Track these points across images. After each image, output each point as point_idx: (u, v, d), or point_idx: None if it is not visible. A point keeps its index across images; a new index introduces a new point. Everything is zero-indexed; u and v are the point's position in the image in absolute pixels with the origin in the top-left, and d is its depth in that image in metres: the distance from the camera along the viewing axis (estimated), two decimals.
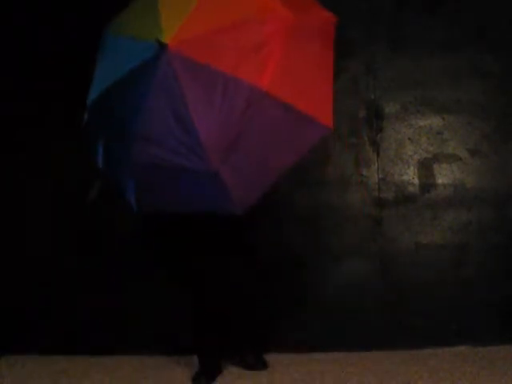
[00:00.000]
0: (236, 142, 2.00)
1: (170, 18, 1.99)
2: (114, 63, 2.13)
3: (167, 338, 3.05)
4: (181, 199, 2.16)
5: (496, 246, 3.01)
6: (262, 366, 2.79)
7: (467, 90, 3.06)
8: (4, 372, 2.89)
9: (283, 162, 2.14)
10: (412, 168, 3.07)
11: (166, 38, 1.93)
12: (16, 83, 3.20)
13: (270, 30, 2.01)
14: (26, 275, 3.16)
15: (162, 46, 1.93)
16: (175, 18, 1.98)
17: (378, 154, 3.08)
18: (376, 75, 3.09)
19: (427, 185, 3.06)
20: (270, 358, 2.87)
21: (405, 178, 3.07)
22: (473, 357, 2.85)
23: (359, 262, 3.04)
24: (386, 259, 3.05)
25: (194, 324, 2.77)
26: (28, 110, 3.18)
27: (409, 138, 3.08)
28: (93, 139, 2.28)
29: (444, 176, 3.06)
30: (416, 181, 3.06)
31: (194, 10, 2.00)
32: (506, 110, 3.04)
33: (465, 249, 3.03)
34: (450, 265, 3.03)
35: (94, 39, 2.35)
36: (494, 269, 3.01)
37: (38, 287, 3.15)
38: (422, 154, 3.07)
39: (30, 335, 3.14)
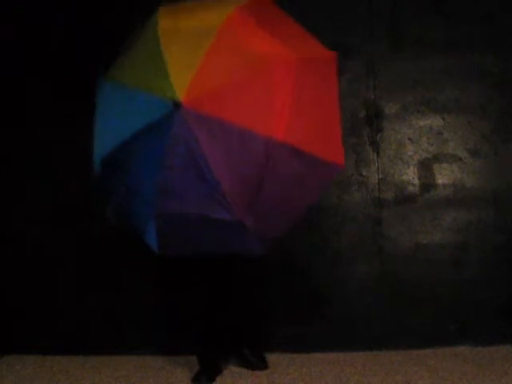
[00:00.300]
0: (258, 191, 2.04)
1: (178, 72, 1.97)
2: (123, 115, 2.10)
3: (167, 338, 3.05)
4: (204, 243, 2.19)
5: (496, 246, 3.02)
6: (264, 365, 2.79)
7: (467, 90, 3.06)
8: (4, 372, 2.90)
9: (303, 202, 2.22)
10: (412, 168, 3.07)
11: (179, 96, 1.92)
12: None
13: (278, 77, 2.03)
14: (26, 275, 3.16)
15: (177, 105, 1.93)
16: (184, 72, 1.97)
17: (377, 154, 3.08)
18: (376, 75, 3.09)
19: (427, 185, 3.06)
20: (270, 358, 2.87)
21: (405, 178, 3.07)
22: (473, 357, 2.85)
23: (359, 262, 3.04)
24: (386, 259, 3.05)
25: (194, 324, 2.77)
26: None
27: (409, 138, 3.08)
28: (105, 192, 2.31)
29: (444, 176, 3.06)
30: (416, 181, 3.07)
31: (202, 64, 1.99)
32: (505, 110, 3.04)
33: (465, 249, 3.03)
34: (449, 265, 3.03)
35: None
36: (494, 269, 3.01)
37: (39, 287, 3.15)
38: (422, 154, 3.07)
39: (29, 335, 3.14)
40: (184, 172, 2.01)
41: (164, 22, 2.17)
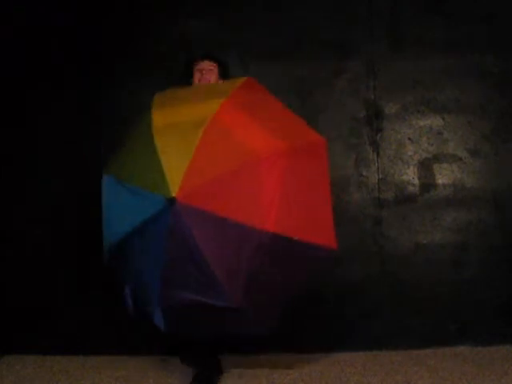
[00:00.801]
0: (252, 278, 2.12)
1: (171, 168, 2.04)
2: (124, 209, 2.19)
3: (167, 338, 3.05)
4: (207, 326, 2.32)
5: (496, 246, 3.02)
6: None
7: (467, 90, 3.06)
8: (4, 372, 2.90)
9: (298, 280, 2.32)
10: (412, 168, 3.07)
11: (173, 191, 1.99)
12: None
13: (266, 170, 2.11)
14: (26, 275, 3.16)
15: (171, 201, 1.99)
16: (177, 167, 2.04)
17: (377, 154, 3.08)
18: (376, 75, 3.09)
19: (427, 185, 3.06)
20: (271, 357, 2.88)
21: (405, 178, 3.07)
22: (473, 357, 2.85)
23: (359, 262, 3.04)
24: (386, 259, 3.05)
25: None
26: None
27: (409, 138, 3.08)
28: (117, 280, 2.43)
29: (444, 176, 3.06)
30: (416, 181, 3.07)
31: (193, 159, 2.05)
32: (505, 110, 3.05)
33: (465, 249, 3.03)
34: (449, 265, 3.03)
35: None
36: (494, 269, 3.01)
37: (39, 287, 3.15)
38: (422, 154, 3.07)
39: (30, 335, 3.14)
40: (183, 263, 2.10)
41: (157, 117, 2.25)
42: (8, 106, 3.20)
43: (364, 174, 3.08)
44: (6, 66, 3.20)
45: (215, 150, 2.10)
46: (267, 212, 2.09)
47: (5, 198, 3.18)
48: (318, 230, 2.23)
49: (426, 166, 3.06)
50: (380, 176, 3.07)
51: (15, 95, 3.20)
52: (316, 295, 3.06)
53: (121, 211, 2.21)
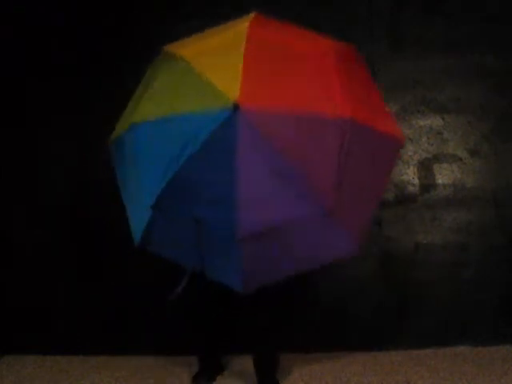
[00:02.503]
0: (340, 176, 1.94)
1: (224, 79, 1.88)
2: (170, 146, 1.95)
3: (167, 338, 3.05)
4: (290, 260, 2.07)
5: (496, 246, 3.02)
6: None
7: (467, 90, 3.06)
8: (4, 372, 2.90)
9: (381, 181, 2.17)
10: (412, 168, 3.07)
11: (232, 97, 1.82)
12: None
13: (326, 62, 2.01)
14: (26, 275, 3.16)
15: (235, 108, 1.82)
16: (229, 77, 1.88)
17: None
18: (376, 75, 3.08)
19: (427, 185, 3.06)
20: None
21: (405, 177, 3.07)
22: (473, 357, 2.85)
23: (359, 262, 3.04)
24: (386, 259, 3.05)
25: (195, 323, 2.77)
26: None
27: (409, 138, 3.08)
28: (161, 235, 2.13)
29: (444, 176, 3.06)
30: (416, 181, 3.06)
31: (244, 66, 1.91)
32: (505, 110, 3.04)
33: (465, 249, 3.03)
34: (449, 265, 3.03)
35: None
36: (494, 269, 3.01)
37: (39, 287, 3.15)
38: (422, 154, 3.07)
39: (29, 335, 3.14)
40: (261, 176, 1.89)
41: (182, 51, 2.11)
42: (8, 105, 3.20)
43: None
44: (6, 65, 3.20)
45: (265, 54, 1.97)
46: (340, 100, 1.94)
47: (5, 198, 3.18)
48: (385, 121, 2.13)
49: (425, 166, 3.06)
50: None
51: (15, 95, 3.20)
52: (316, 295, 3.06)
53: (167, 149, 1.96)
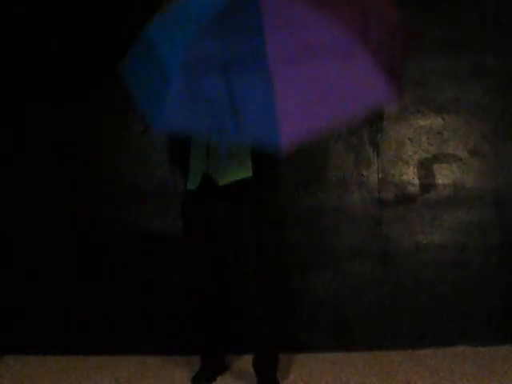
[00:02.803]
0: (367, 19, 1.96)
1: None
2: (192, 12, 1.95)
3: (167, 338, 3.05)
4: (333, 102, 1.96)
5: (496, 246, 3.02)
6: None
7: (467, 90, 3.06)
8: (4, 372, 2.89)
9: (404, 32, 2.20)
10: (412, 168, 3.07)
11: None
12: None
13: None
14: (26, 275, 3.16)
15: None
16: None
17: (377, 154, 3.08)
18: None
19: (427, 185, 3.06)
20: None
21: (405, 177, 3.07)
22: (473, 357, 2.85)
23: (359, 262, 3.04)
24: (386, 259, 3.05)
25: (196, 323, 2.77)
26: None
27: (409, 138, 3.08)
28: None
29: (444, 176, 3.06)
30: (416, 181, 3.06)
31: None
32: (505, 110, 3.04)
33: (465, 249, 3.03)
34: (449, 265, 3.03)
35: None
36: (493, 269, 3.01)
37: (39, 287, 3.15)
38: (422, 154, 3.07)
39: (29, 335, 3.14)
40: (289, 28, 1.88)
41: None
42: (8, 105, 3.19)
43: (364, 173, 3.08)
44: (6, 65, 3.19)
45: None
46: None
47: (5, 198, 3.18)
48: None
49: (425, 166, 3.06)
50: (380, 176, 3.07)
51: (15, 95, 3.20)
52: (316, 295, 3.06)
53: (189, 14, 1.95)
